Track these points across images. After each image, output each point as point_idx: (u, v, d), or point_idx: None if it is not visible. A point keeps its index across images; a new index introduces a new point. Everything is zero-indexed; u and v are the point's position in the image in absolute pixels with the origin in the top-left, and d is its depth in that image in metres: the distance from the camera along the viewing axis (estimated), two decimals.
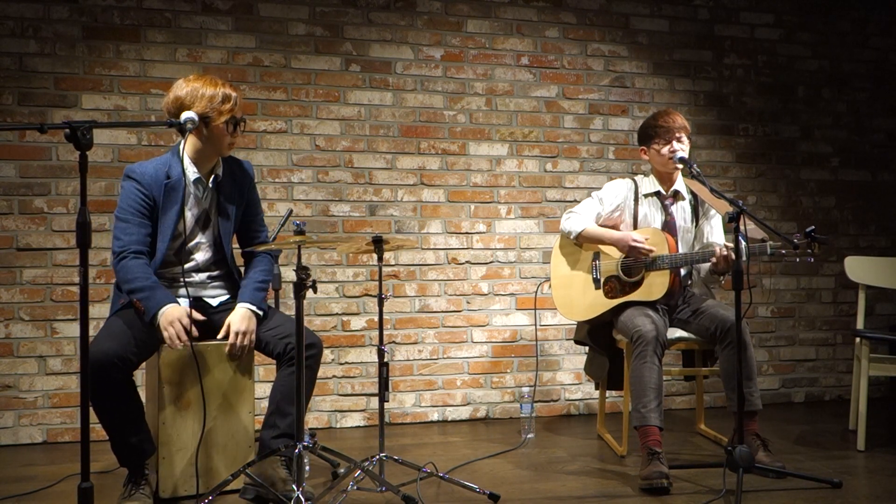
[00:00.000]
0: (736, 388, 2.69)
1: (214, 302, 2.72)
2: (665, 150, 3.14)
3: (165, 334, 2.47)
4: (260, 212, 2.86)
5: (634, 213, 3.25)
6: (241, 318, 2.60)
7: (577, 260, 3.29)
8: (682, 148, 3.12)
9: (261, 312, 2.65)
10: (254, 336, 2.62)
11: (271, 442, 2.54)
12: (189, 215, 2.62)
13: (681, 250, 3.18)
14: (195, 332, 2.54)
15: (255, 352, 2.70)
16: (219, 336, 2.63)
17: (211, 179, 2.66)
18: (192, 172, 2.62)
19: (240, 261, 2.87)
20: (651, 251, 3.07)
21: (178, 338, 2.47)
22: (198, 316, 2.58)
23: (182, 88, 2.55)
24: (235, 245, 2.82)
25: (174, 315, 2.47)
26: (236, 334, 2.58)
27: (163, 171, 2.58)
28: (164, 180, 2.56)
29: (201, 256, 2.68)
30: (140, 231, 2.54)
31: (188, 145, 2.62)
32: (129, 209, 2.54)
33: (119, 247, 2.53)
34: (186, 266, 2.65)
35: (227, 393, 2.66)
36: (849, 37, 4.61)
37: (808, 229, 2.70)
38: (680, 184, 3.25)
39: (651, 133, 3.19)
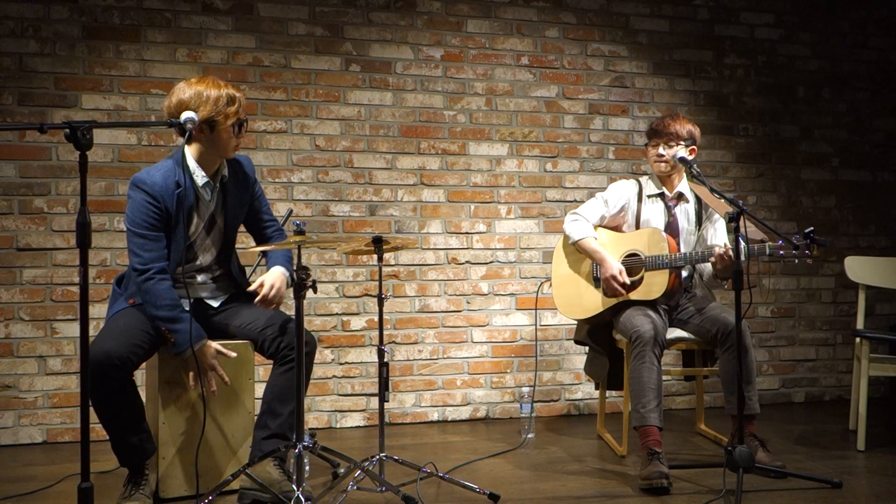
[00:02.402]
0: (735, 392, 2.69)
1: (215, 303, 2.72)
2: (651, 152, 3.20)
3: (191, 379, 2.52)
4: (266, 203, 2.88)
5: (637, 213, 3.25)
6: (275, 276, 2.66)
7: (579, 259, 3.30)
8: (671, 153, 3.13)
9: (290, 279, 2.71)
10: (283, 295, 2.68)
11: (262, 443, 2.54)
12: (197, 220, 2.62)
13: (682, 252, 3.18)
14: (226, 379, 2.57)
15: (255, 353, 2.71)
16: (251, 288, 2.68)
17: (218, 181, 2.65)
18: (200, 177, 2.58)
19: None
20: (624, 295, 3.10)
21: (210, 385, 2.53)
22: (228, 353, 2.59)
23: (185, 92, 2.49)
24: (239, 245, 2.83)
25: (210, 361, 2.52)
26: (271, 287, 2.63)
27: (172, 179, 2.52)
28: (175, 189, 2.51)
29: (206, 257, 2.68)
30: (159, 246, 2.50)
31: (193, 149, 2.58)
32: (143, 223, 2.48)
33: (141, 264, 2.47)
34: (190, 268, 2.64)
35: (228, 393, 2.66)
36: (849, 37, 4.61)
37: (807, 230, 2.70)
38: (684, 186, 3.26)
39: (648, 133, 3.26)
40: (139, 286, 2.49)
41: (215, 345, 2.55)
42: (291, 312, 2.53)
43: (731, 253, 2.87)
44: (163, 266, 2.49)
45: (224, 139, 2.54)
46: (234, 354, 2.61)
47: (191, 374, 2.52)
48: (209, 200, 2.63)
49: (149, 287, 2.47)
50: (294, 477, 2.34)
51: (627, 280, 3.09)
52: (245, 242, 3.55)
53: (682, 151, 3.12)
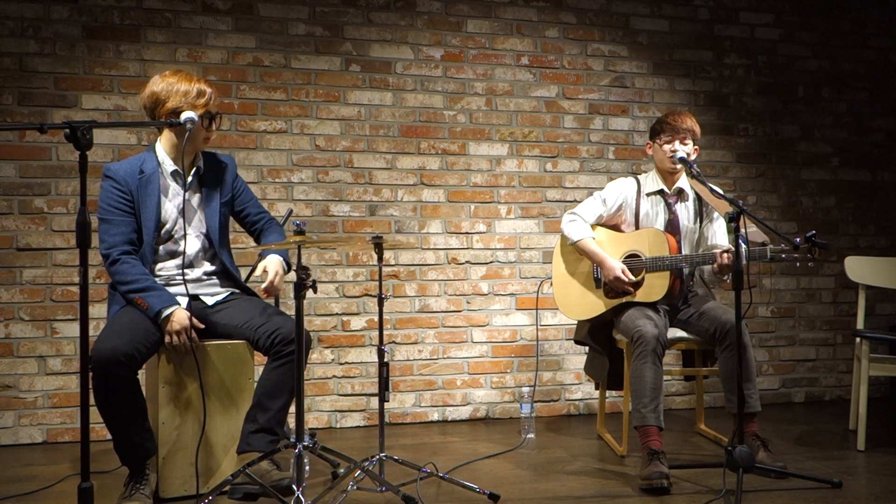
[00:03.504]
0: (735, 390, 2.69)
1: (211, 301, 2.72)
2: (667, 147, 3.15)
3: (168, 339, 2.52)
4: (253, 196, 2.89)
5: (636, 211, 3.24)
6: (273, 261, 2.66)
7: (579, 259, 3.29)
8: (685, 150, 3.12)
9: (286, 266, 2.73)
10: (283, 282, 2.69)
11: (250, 437, 2.54)
12: (170, 206, 2.64)
13: (684, 250, 3.18)
14: (196, 342, 2.56)
15: (255, 351, 2.71)
16: (256, 274, 2.69)
17: (192, 172, 2.69)
18: (168, 165, 2.65)
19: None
20: (632, 293, 3.10)
21: (184, 346, 2.53)
22: (197, 324, 2.59)
23: (157, 84, 2.59)
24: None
25: (179, 324, 2.51)
26: (275, 273, 2.64)
27: (137, 166, 2.62)
28: (137, 175, 2.60)
29: (191, 249, 2.69)
30: (122, 229, 2.56)
31: (164, 140, 2.66)
32: (108, 208, 2.57)
33: (105, 248, 2.54)
34: (178, 261, 2.65)
35: (227, 393, 2.66)
36: (849, 37, 4.61)
37: (808, 234, 2.70)
38: (684, 182, 3.24)
39: (658, 129, 3.21)
40: (107, 270, 2.55)
41: (186, 312, 2.55)
42: (291, 312, 2.53)
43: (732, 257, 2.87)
44: (126, 249, 2.55)
45: (193, 131, 2.56)
46: (202, 326, 2.61)
47: (168, 339, 2.53)
48: (181, 189, 2.66)
49: (116, 269, 2.53)
50: (291, 470, 2.34)
51: (632, 277, 3.09)
52: (245, 242, 3.56)
53: (691, 150, 3.13)
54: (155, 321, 2.51)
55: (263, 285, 2.64)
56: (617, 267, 3.10)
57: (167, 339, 2.52)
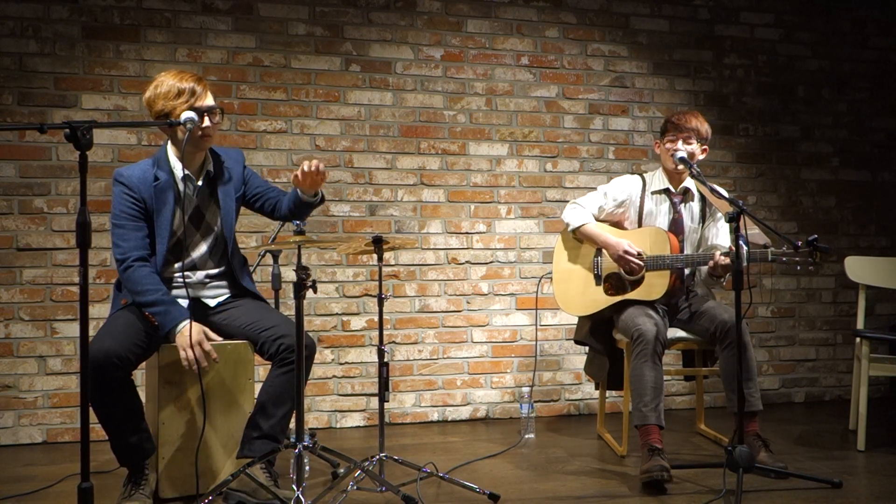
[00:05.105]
0: (736, 389, 2.69)
1: (213, 302, 2.71)
2: (669, 146, 3.15)
3: (183, 354, 2.47)
4: (264, 181, 2.82)
5: (640, 209, 3.23)
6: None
7: (579, 255, 3.29)
8: (689, 150, 3.11)
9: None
10: (325, 174, 2.53)
11: (253, 443, 2.53)
12: (180, 214, 2.62)
13: (686, 250, 3.18)
14: (214, 355, 2.50)
15: (256, 354, 2.70)
16: (303, 168, 2.50)
17: (202, 176, 2.65)
18: (179, 171, 2.61)
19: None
20: (640, 266, 3.08)
21: (199, 362, 2.47)
22: (214, 337, 2.57)
23: (149, 90, 2.56)
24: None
25: (195, 338, 2.46)
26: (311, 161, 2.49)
27: (150, 172, 2.58)
28: (152, 182, 2.56)
29: (197, 254, 2.67)
30: (137, 235, 2.54)
31: (170, 144, 2.63)
32: (121, 214, 2.54)
33: (120, 254, 2.52)
34: (181, 264, 2.64)
35: (227, 393, 2.66)
36: (849, 37, 4.61)
37: (810, 238, 2.70)
38: (690, 182, 3.23)
39: (665, 127, 3.22)
40: (121, 276, 2.53)
41: (199, 325, 2.52)
42: (291, 313, 2.53)
43: (729, 262, 2.86)
44: (141, 255, 2.53)
45: (182, 130, 2.51)
46: (219, 339, 2.59)
47: (183, 354, 2.47)
48: (192, 194, 2.63)
49: (129, 275, 2.50)
50: (287, 479, 2.33)
51: (637, 250, 3.08)
52: (245, 242, 3.56)
53: (696, 150, 3.13)
54: (167, 337, 2.50)
55: (308, 168, 2.46)
56: (622, 242, 3.08)
57: (182, 354, 2.48)
